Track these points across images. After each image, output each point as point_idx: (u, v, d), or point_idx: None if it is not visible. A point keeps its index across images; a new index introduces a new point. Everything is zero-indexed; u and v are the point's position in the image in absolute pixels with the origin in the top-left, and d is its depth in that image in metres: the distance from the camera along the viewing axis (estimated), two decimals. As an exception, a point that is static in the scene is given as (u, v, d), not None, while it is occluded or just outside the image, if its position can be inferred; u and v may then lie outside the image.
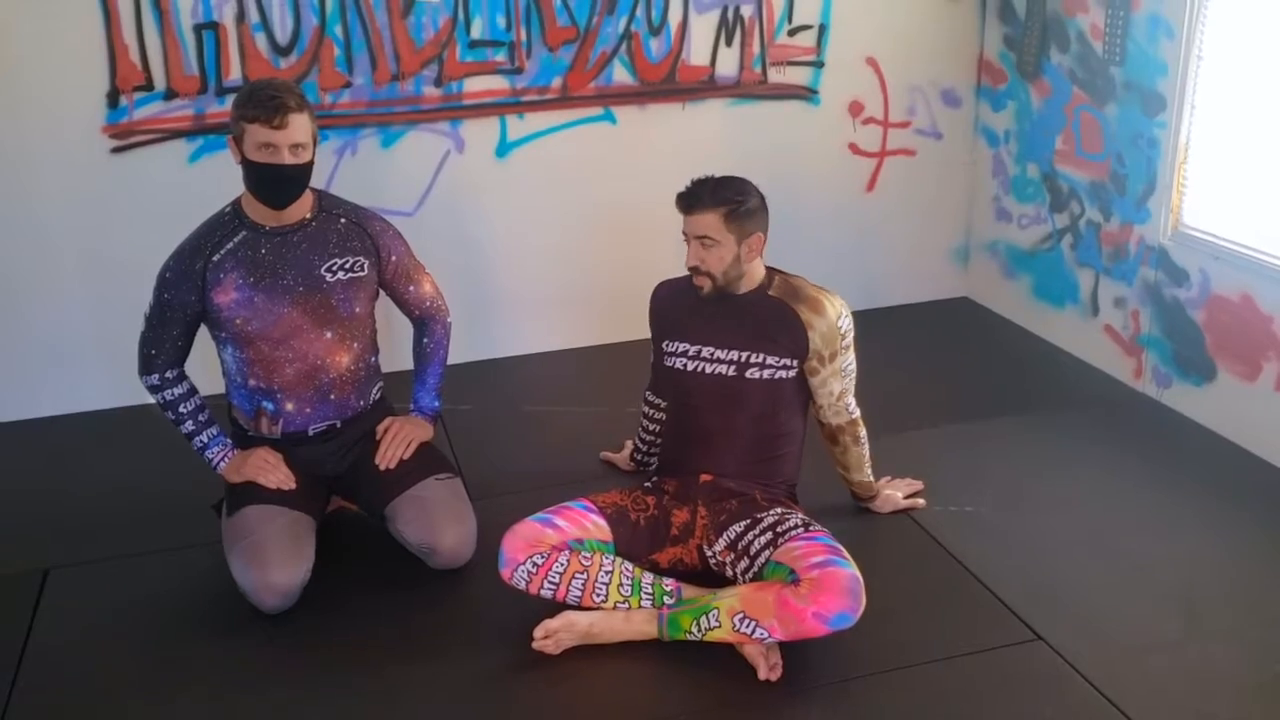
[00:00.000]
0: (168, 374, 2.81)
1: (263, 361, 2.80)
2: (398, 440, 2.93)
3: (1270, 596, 2.74)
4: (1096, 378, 3.94)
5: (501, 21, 3.86)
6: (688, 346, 2.79)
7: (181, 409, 2.83)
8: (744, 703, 2.42)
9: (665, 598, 2.60)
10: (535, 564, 2.57)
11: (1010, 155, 4.34)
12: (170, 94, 3.67)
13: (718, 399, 2.76)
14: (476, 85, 3.92)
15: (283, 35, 3.70)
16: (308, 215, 2.79)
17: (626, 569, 2.61)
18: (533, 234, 4.13)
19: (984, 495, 3.17)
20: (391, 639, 2.66)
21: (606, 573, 2.59)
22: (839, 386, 2.80)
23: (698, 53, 4.08)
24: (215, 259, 2.73)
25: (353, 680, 2.53)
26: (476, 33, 3.86)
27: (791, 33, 4.15)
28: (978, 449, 3.45)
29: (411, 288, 2.98)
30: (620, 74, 4.02)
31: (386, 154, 3.91)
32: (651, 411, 3.10)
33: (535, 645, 2.53)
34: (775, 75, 4.18)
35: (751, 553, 2.59)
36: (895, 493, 3.09)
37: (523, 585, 2.59)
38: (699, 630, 2.49)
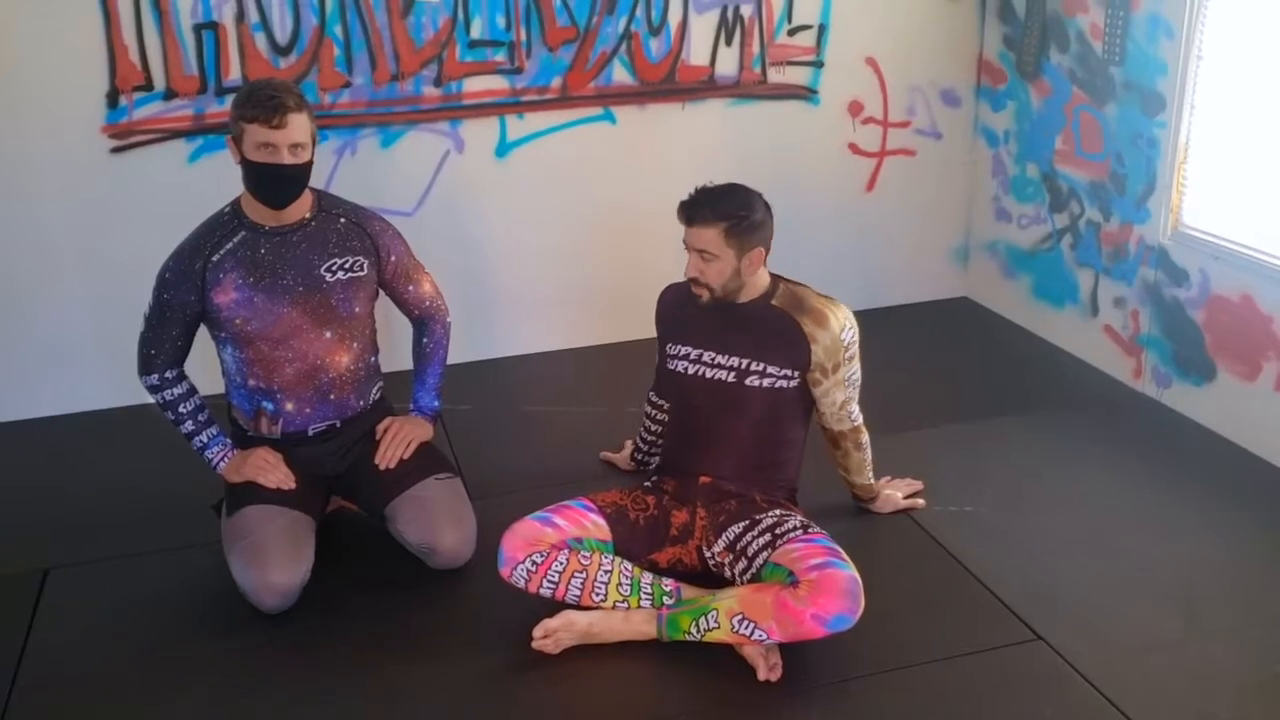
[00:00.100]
0: (167, 374, 2.81)
1: (262, 361, 2.80)
2: (397, 440, 2.93)
3: (1270, 596, 2.74)
4: (1096, 378, 3.94)
5: (501, 21, 3.86)
6: (689, 350, 2.79)
7: (181, 409, 2.83)
8: (744, 703, 2.42)
9: (664, 598, 2.60)
10: (534, 562, 2.57)
11: (1010, 155, 4.34)
12: (170, 94, 3.67)
13: (718, 404, 2.75)
14: (476, 85, 3.92)
15: (282, 35, 3.70)
16: (307, 215, 2.79)
17: (626, 568, 2.61)
18: (532, 234, 4.13)
19: (984, 495, 3.17)
20: (391, 639, 2.66)
21: (606, 572, 2.59)
22: (842, 396, 2.79)
23: (697, 53, 4.08)
24: (215, 259, 2.73)
25: (353, 680, 2.53)
26: (476, 33, 3.86)
27: (791, 33, 4.15)
28: (978, 449, 3.45)
29: (411, 287, 2.98)
30: (620, 74, 4.02)
31: (386, 154, 3.91)
32: (654, 413, 3.10)
33: (535, 645, 2.53)
34: (775, 75, 4.18)
35: (750, 554, 2.59)
36: (895, 493, 3.09)
37: (522, 584, 2.59)
38: (698, 631, 2.49)
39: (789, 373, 2.72)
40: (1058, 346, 4.17)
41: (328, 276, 2.79)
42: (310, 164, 2.70)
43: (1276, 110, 3.25)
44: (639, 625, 2.56)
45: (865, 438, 2.92)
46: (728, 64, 4.12)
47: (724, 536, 2.66)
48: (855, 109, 4.31)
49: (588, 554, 2.61)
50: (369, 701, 2.46)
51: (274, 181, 2.67)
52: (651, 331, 2.97)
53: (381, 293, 2.96)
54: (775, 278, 2.79)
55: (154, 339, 2.79)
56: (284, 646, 2.65)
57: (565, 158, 4.06)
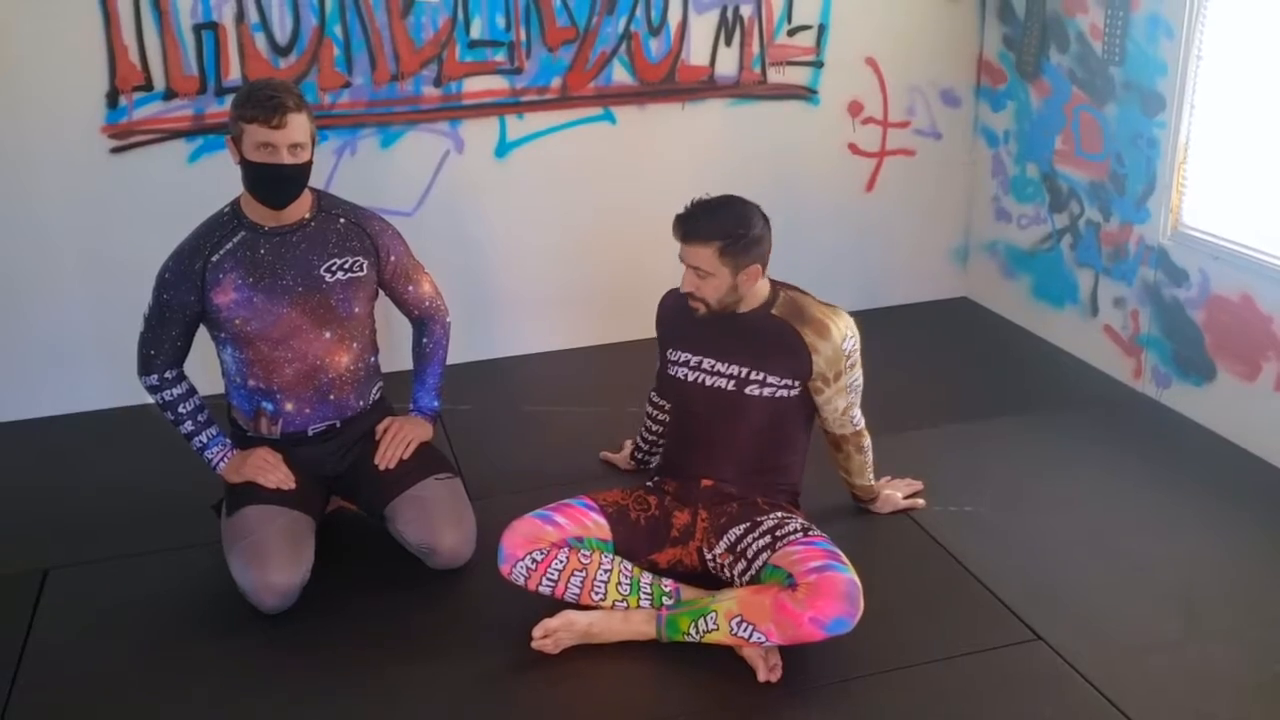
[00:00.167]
0: (167, 374, 2.81)
1: (262, 362, 2.80)
2: (397, 440, 2.93)
3: (1270, 596, 2.74)
4: (1096, 378, 3.94)
5: (501, 21, 3.86)
6: (689, 357, 2.77)
7: (181, 409, 2.83)
8: (743, 703, 2.42)
9: (664, 598, 2.60)
10: (534, 560, 2.57)
11: (1010, 155, 4.34)
12: (170, 94, 3.67)
13: (719, 411, 2.74)
14: (476, 85, 3.92)
15: (282, 35, 3.70)
16: (307, 215, 2.79)
17: (625, 568, 2.61)
18: (532, 234, 4.13)
19: (984, 495, 3.17)
20: (391, 639, 2.66)
21: (605, 571, 2.59)
22: (844, 403, 2.77)
23: (697, 53, 4.08)
24: (214, 259, 2.73)
25: (353, 680, 2.53)
26: (476, 33, 3.86)
27: (791, 33, 4.15)
28: (978, 449, 3.45)
29: (411, 287, 2.98)
30: (620, 74, 4.02)
31: (386, 154, 3.91)
32: (655, 413, 3.10)
33: (534, 645, 2.53)
34: (775, 75, 4.18)
35: (749, 555, 2.59)
36: (895, 493, 3.09)
37: (521, 581, 2.59)
38: (697, 632, 2.49)
39: (789, 382, 2.70)
40: (1058, 346, 4.17)
41: (327, 277, 2.79)
42: (310, 164, 2.70)
43: (1276, 110, 3.25)
44: (638, 626, 2.56)
45: (867, 441, 2.91)
46: (727, 64, 4.12)
47: (725, 538, 2.65)
48: (855, 109, 4.31)
49: (588, 553, 2.60)
50: (369, 701, 2.46)
51: (274, 181, 2.67)
52: (652, 332, 2.97)
53: (381, 293, 2.96)
54: (775, 285, 2.76)
55: (153, 339, 2.79)
56: (284, 646, 2.65)
57: (565, 158, 4.06)
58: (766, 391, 2.69)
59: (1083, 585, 2.78)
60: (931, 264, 4.63)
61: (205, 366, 3.00)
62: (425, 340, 3.06)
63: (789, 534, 2.57)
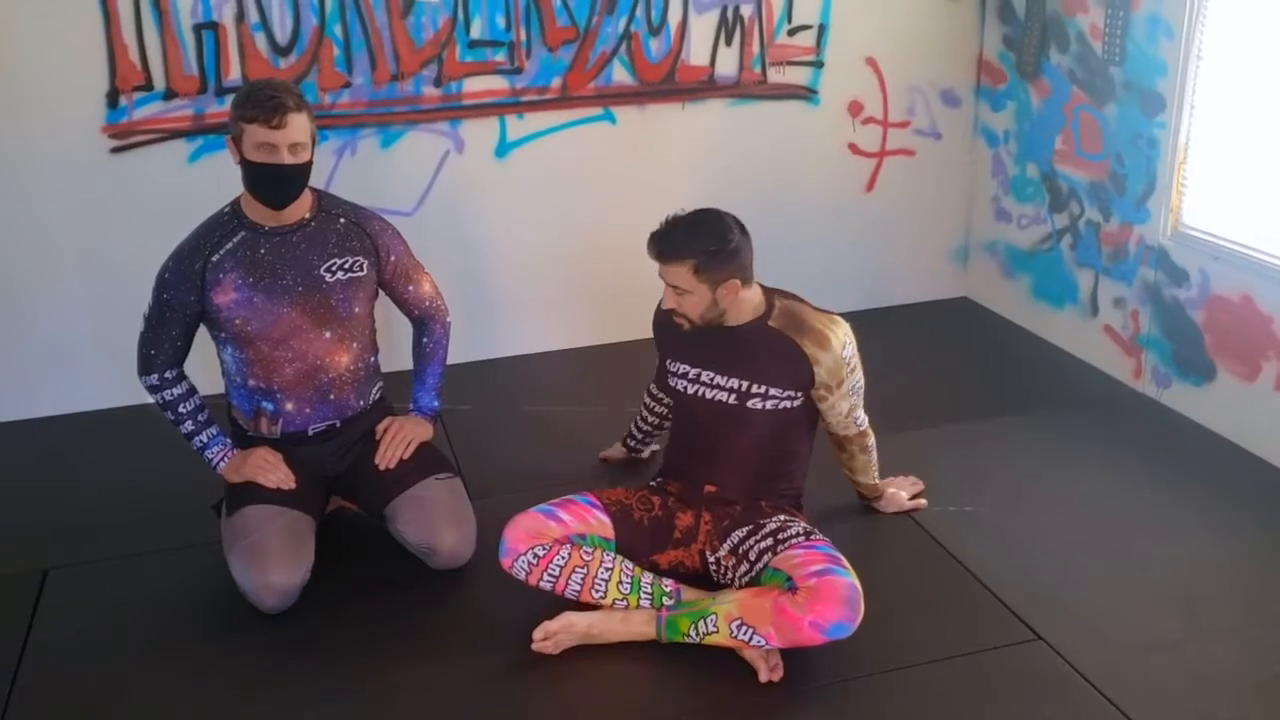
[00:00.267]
0: (167, 374, 2.81)
1: (262, 361, 2.80)
2: (397, 440, 2.93)
3: (1270, 596, 2.74)
4: (1096, 378, 3.94)
5: (501, 21, 3.86)
6: (688, 369, 2.74)
7: (181, 409, 2.83)
8: (743, 703, 2.42)
9: (664, 598, 2.59)
10: (536, 555, 2.57)
11: (1010, 155, 4.34)
12: (170, 94, 3.67)
13: (721, 423, 2.71)
14: (476, 85, 3.92)
15: (282, 35, 3.70)
16: (307, 215, 2.79)
17: (627, 567, 2.61)
18: (532, 234, 4.13)
19: (984, 495, 3.17)
20: (391, 639, 2.66)
21: (607, 569, 2.58)
22: (847, 405, 2.76)
23: (697, 53, 4.08)
24: (214, 259, 2.73)
25: (353, 680, 2.53)
26: (476, 33, 3.86)
27: (791, 33, 4.15)
28: (978, 449, 3.45)
29: (411, 287, 2.98)
30: (620, 74, 4.02)
31: (386, 154, 3.91)
32: (653, 404, 3.11)
33: (534, 647, 2.53)
34: (775, 75, 4.18)
35: (751, 558, 2.59)
36: (900, 493, 3.09)
37: (522, 576, 2.59)
38: (697, 634, 2.50)
39: (792, 394, 2.68)
40: (1058, 346, 4.17)
41: (327, 276, 2.79)
42: (310, 164, 2.70)
43: (1276, 110, 3.25)
44: (638, 626, 2.56)
45: (871, 441, 2.91)
46: (728, 64, 4.12)
47: (728, 541, 2.65)
48: (855, 109, 4.31)
49: (590, 550, 2.60)
50: (369, 701, 2.46)
51: (274, 182, 2.67)
52: (651, 332, 2.96)
53: (381, 293, 2.96)
54: (769, 294, 2.71)
55: (154, 339, 2.79)
56: (284, 646, 2.65)
57: (565, 158, 4.06)
58: (769, 404, 2.67)
59: (1083, 585, 2.78)
60: (931, 264, 4.63)
61: (205, 366, 3.00)
62: (425, 340, 3.06)
63: (791, 537, 2.56)
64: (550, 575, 2.57)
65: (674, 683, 2.48)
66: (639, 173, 4.12)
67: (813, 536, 2.58)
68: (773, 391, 2.66)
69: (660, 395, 3.06)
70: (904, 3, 4.23)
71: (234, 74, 3.68)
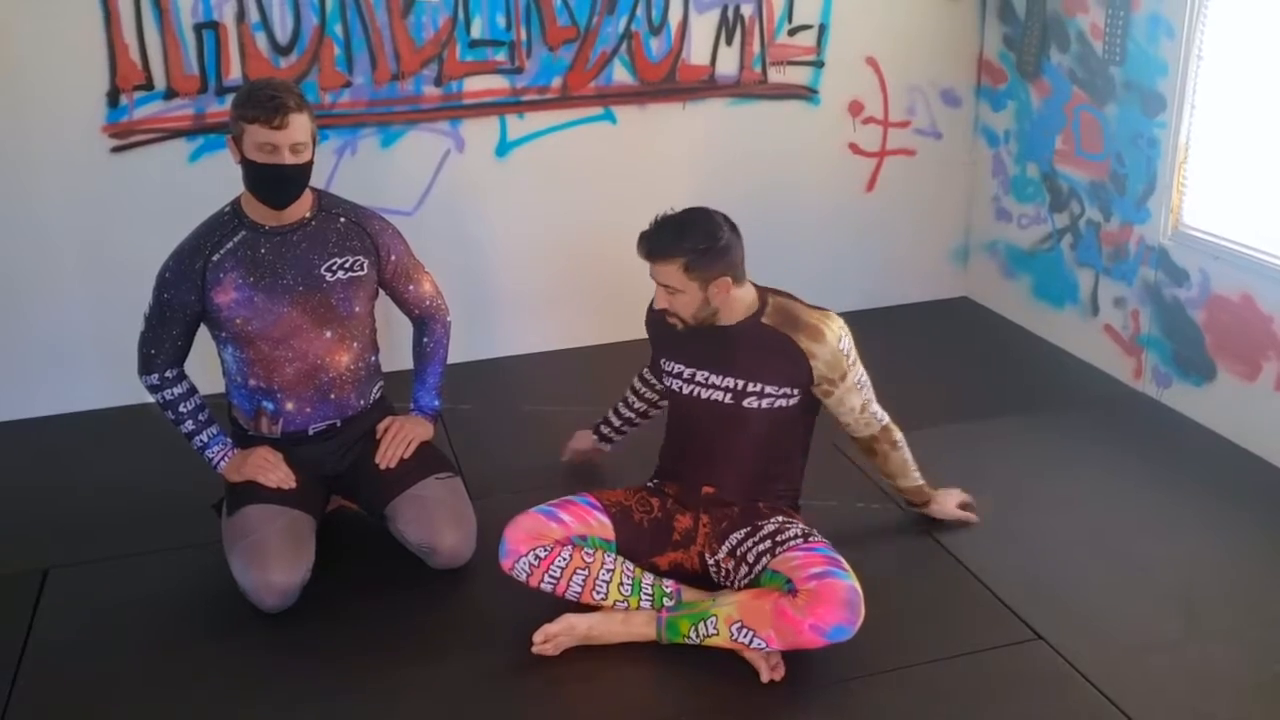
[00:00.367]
0: (167, 374, 2.81)
1: (263, 361, 2.80)
2: (398, 439, 2.93)
3: (1270, 596, 2.74)
4: (1096, 377, 3.94)
5: (501, 21, 3.86)
6: (683, 369, 2.72)
7: (181, 408, 2.82)
8: (743, 704, 2.42)
9: (665, 599, 2.59)
10: (538, 556, 2.57)
11: (1010, 155, 4.34)
12: (170, 93, 3.67)
13: (718, 424, 2.69)
14: (476, 85, 3.92)
15: (283, 35, 3.70)
16: (307, 215, 2.79)
17: (628, 568, 2.61)
18: (533, 233, 4.13)
19: (984, 495, 3.16)
20: (392, 639, 2.66)
21: (608, 571, 2.58)
22: (858, 400, 2.72)
23: (698, 52, 4.08)
24: (215, 259, 2.73)
25: (353, 680, 2.53)
26: (476, 32, 3.86)
27: (791, 32, 4.15)
28: (978, 449, 3.45)
29: (411, 287, 2.98)
30: (620, 74, 4.02)
31: (386, 154, 3.91)
32: (643, 389, 3.06)
33: (534, 650, 2.53)
34: (775, 75, 4.18)
35: (749, 560, 2.58)
36: (949, 501, 3.01)
37: (523, 577, 2.59)
38: (697, 636, 2.49)
39: (788, 391, 2.65)
40: (1058, 346, 4.17)
41: (328, 276, 2.79)
42: (311, 164, 2.70)
43: (1276, 110, 3.25)
44: (638, 628, 2.56)
45: (898, 436, 2.84)
46: (728, 64, 4.12)
47: (726, 543, 2.65)
48: (855, 109, 4.31)
49: (590, 552, 2.60)
50: (369, 701, 2.46)
51: (275, 182, 2.67)
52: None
53: (381, 292, 2.96)
54: (762, 291, 2.70)
55: (154, 339, 2.79)
56: (284, 646, 2.65)
57: (565, 157, 4.06)
58: (765, 403, 2.65)
59: (1083, 585, 2.78)
60: (931, 264, 4.63)
61: (205, 366, 3.00)
62: (426, 339, 3.06)
63: (789, 539, 2.56)
64: (551, 577, 2.57)
65: (674, 683, 2.48)
66: (639, 172, 4.11)
67: (811, 538, 2.57)
68: (768, 390, 2.65)
69: (652, 381, 3.02)
70: (904, 2, 4.23)
71: (234, 73, 3.68)
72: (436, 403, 3.07)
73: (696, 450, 2.75)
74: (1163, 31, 3.52)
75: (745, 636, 2.43)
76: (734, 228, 2.60)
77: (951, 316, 4.55)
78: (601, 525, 2.66)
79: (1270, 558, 2.89)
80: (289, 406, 2.85)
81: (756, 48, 4.12)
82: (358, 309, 2.86)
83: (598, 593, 2.57)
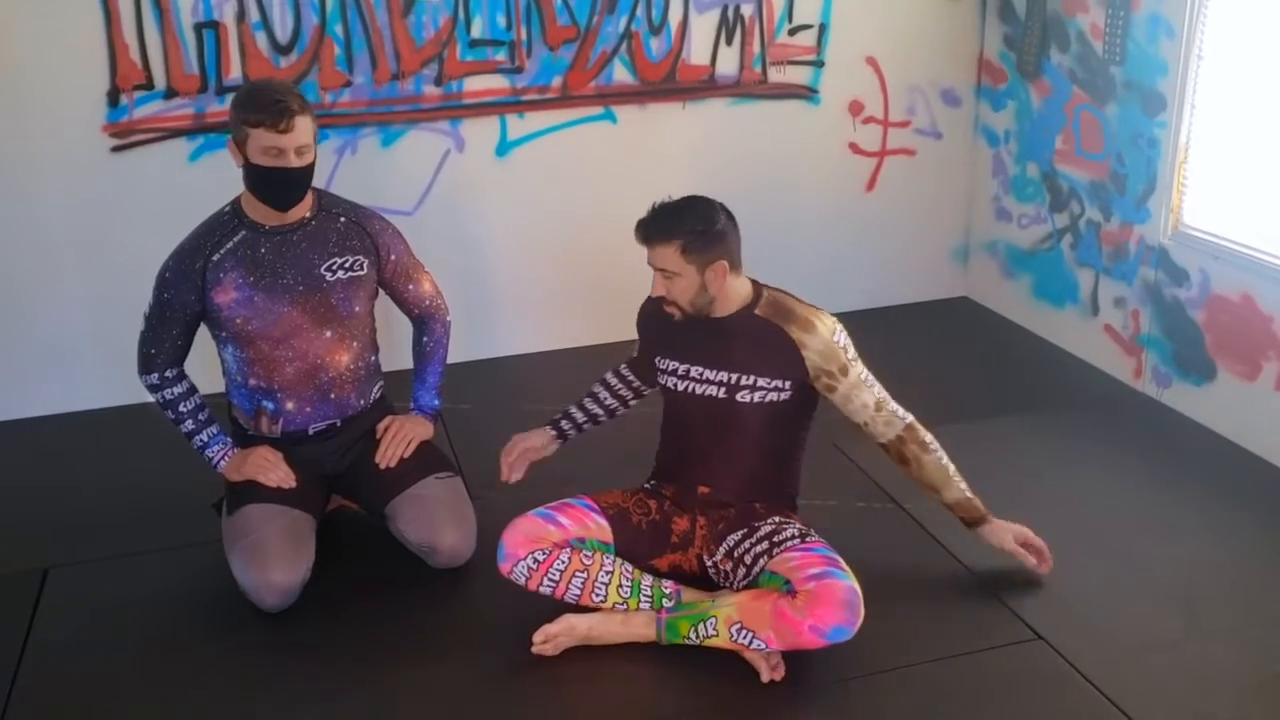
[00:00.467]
0: (167, 373, 2.81)
1: (263, 361, 2.80)
2: (398, 439, 2.93)
3: (1270, 596, 2.74)
4: (1096, 377, 3.94)
5: (502, 21, 3.86)
6: (677, 365, 2.71)
7: (181, 408, 2.82)
8: (743, 704, 2.42)
9: (664, 600, 2.59)
10: (536, 560, 2.57)
11: (1010, 155, 4.34)
12: (170, 93, 3.67)
13: (714, 422, 2.68)
14: (477, 84, 3.92)
15: (283, 34, 3.70)
16: (307, 214, 2.79)
17: (627, 570, 2.61)
18: (533, 233, 4.13)
19: (984, 495, 3.15)
20: (392, 639, 2.66)
21: (607, 573, 2.58)
22: (870, 397, 2.65)
23: (698, 52, 4.08)
24: (215, 258, 2.72)
25: (353, 680, 2.53)
26: (477, 32, 3.86)
27: (792, 32, 4.15)
28: (978, 449, 3.43)
29: (411, 286, 2.98)
30: (620, 73, 4.02)
31: (386, 153, 3.91)
32: (617, 385, 2.93)
33: (534, 650, 2.53)
34: (775, 75, 4.18)
35: (747, 561, 2.58)
36: (1006, 533, 2.76)
37: (522, 581, 2.58)
38: (696, 636, 2.49)
39: (780, 384, 2.62)
40: (1058, 346, 4.17)
41: (328, 276, 2.79)
42: (313, 164, 2.70)
43: (1276, 110, 3.25)
44: (638, 629, 2.55)
45: (927, 436, 2.68)
46: (728, 63, 4.12)
47: (724, 544, 2.64)
48: (855, 109, 4.31)
49: (589, 554, 2.60)
50: (369, 701, 2.46)
51: (281, 185, 2.67)
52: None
53: (381, 292, 2.96)
54: (756, 285, 2.68)
55: (154, 338, 2.79)
56: (284, 647, 2.64)
57: (566, 157, 4.06)
58: (757, 396, 2.62)
59: (1083, 585, 2.78)
60: (931, 264, 4.63)
61: (205, 366, 3.00)
62: (425, 339, 3.06)
63: (786, 539, 2.55)
64: (550, 580, 2.57)
65: (674, 683, 2.48)
66: (639, 172, 4.11)
67: (809, 538, 2.56)
68: (760, 382, 2.62)
69: (629, 378, 2.94)
70: (904, 2, 4.23)
71: (235, 73, 3.68)
72: (436, 402, 3.07)
73: (692, 450, 2.74)
74: (1163, 31, 3.52)
75: (745, 637, 2.43)
76: (730, 216, 2.60)
77: (951, 316, 4.55)
78: (599, 527, 2.65)
79: (1270, 558, 2.89)
80: (289, 406, 2.85)
81: (756, 47, 4.12)
82: (358, 308, 2.86)
83: (597, 595, 2.57)
